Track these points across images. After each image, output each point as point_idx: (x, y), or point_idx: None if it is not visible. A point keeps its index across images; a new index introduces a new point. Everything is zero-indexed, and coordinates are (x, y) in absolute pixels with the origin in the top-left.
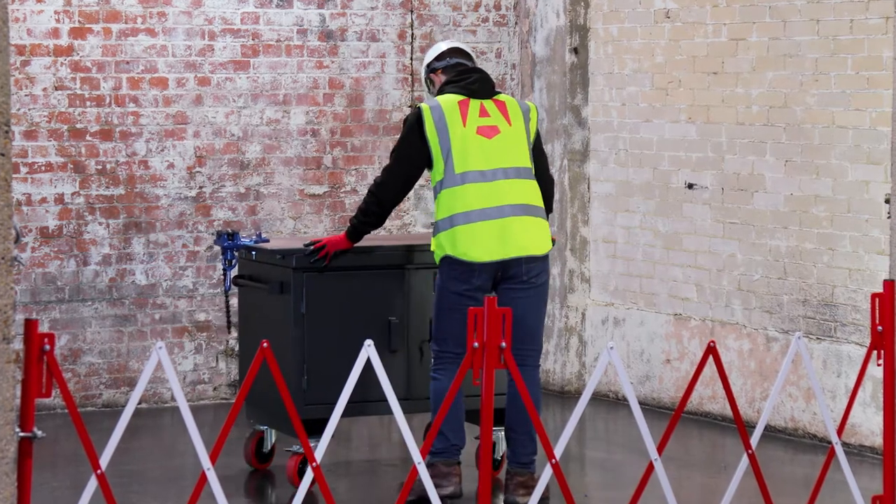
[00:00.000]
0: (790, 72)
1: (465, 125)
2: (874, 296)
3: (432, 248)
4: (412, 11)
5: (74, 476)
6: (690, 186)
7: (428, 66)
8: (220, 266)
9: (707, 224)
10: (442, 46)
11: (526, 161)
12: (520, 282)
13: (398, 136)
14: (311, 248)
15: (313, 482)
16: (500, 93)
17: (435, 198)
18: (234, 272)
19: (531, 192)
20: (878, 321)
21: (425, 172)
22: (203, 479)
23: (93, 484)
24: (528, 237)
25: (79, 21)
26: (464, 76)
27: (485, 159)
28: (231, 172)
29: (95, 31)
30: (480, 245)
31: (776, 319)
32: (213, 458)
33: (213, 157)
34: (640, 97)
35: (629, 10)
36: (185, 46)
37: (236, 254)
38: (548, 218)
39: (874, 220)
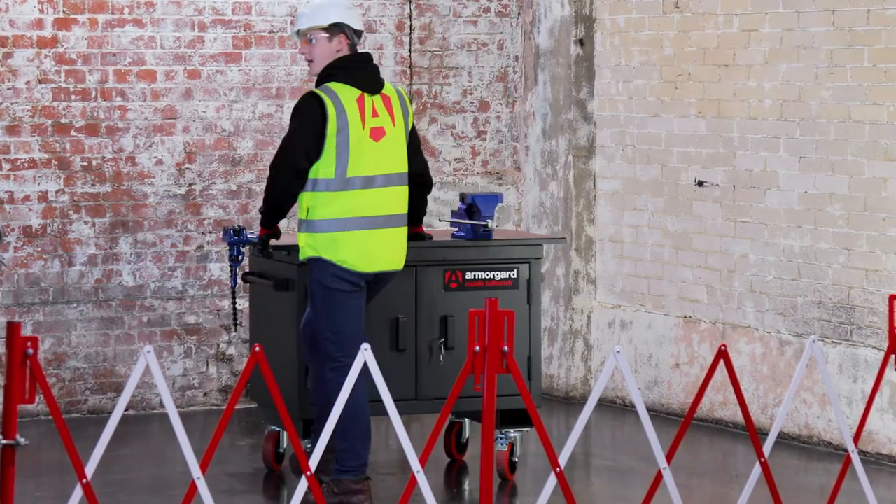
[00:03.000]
0: (804, 64)
1: (363, 127)
2: (892, 297)
3: (301, 245)
4: (410, 2)
5: (59, 485)
6: (700, 184)
7: (343, 25)
8: (214, 263)
9: (718, 223)
10: (358, 14)
11: (405, 166)
12: (378, 290)
13: (292, 120)
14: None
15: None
16: (383, 83)
17: (309, 192)
18: (240, 268)
19: (405, 200)
20: (895, 324)
21: None
22: (193, 488)
23: (78, 493)
24: (399, 251)
25: (63, 11)
26: (358, 66)
27: (372, 164)
28: (222, 169)
29: (81, 21)
30: (362, 255)
31: (790, 322)
32: (203, 467)
33: (203, 154)
34: (648, 91)
35: None
36: (174, 38)
37: (243, 250)
38: (426, 199)
39: (892, 218)
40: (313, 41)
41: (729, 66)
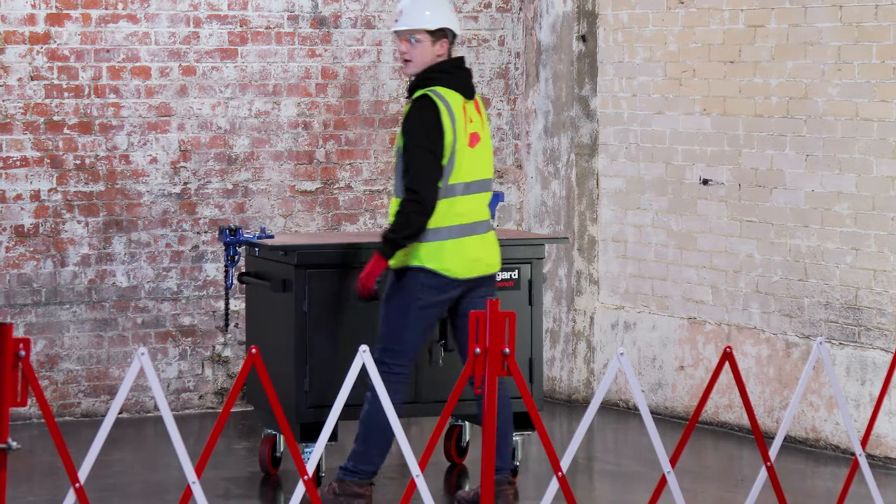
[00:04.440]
0: (811, 61)
1: (465, 133)
2: None
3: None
4: None
5: (52, 489)
6: (705, 182)
7: (446, 30)
8: (209, 263)
9: (723, 222)
10: (458, 17)
11: (492, 170)
12: (487, 292)
13: (413, 130)
14: (363, 298)
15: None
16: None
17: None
18: (235, 269)
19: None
20: None
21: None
22: (188, 492)
23: (71, 498)
24: (497, 253)
25: (56, 7)
26: (459, 70)
27: (469, 170)
28: (218, 167)
29: (74, 17)
30: (464, 262)
31: (796, 323)
32: (198, 471)
33: (198, 152)
34: (652, 87)
35: None
36: (168, 34)
37: (239, 250)
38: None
39: None
40: (414, 41)
41: (734, 62)
